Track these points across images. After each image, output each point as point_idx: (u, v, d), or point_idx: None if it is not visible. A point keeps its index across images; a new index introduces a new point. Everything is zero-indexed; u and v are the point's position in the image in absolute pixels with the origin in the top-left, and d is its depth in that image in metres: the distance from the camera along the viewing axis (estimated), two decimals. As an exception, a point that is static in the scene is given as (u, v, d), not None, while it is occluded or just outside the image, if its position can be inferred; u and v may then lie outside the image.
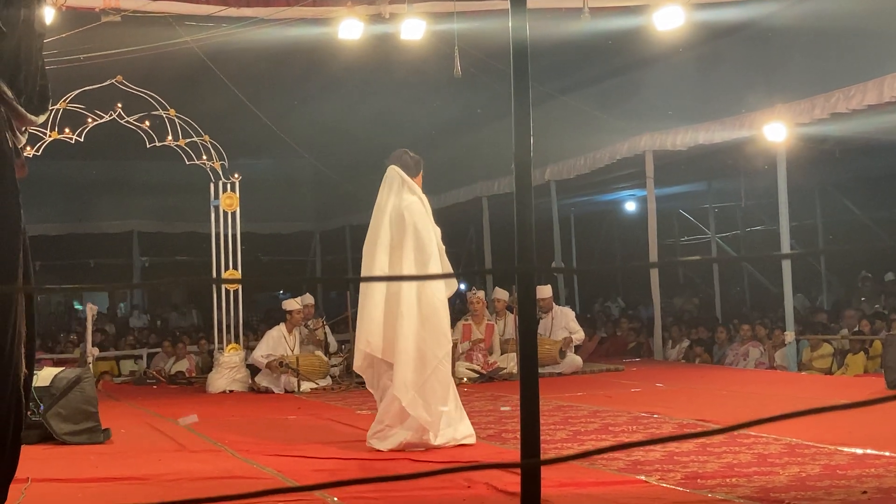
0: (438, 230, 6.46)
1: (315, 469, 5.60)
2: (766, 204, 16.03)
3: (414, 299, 6.18)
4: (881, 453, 5.18)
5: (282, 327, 11.59)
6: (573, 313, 12.89)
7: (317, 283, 20.88)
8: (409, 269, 6.23)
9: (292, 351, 11.37)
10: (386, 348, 6.21)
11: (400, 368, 6.12)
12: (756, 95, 11.25)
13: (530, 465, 1.78)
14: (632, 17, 10.73)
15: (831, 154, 13.42)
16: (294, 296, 12.62)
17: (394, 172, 6.54)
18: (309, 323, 12.07)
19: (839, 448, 5.38)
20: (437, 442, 6.14)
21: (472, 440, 6.30)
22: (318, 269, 23.35)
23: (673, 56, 12.56)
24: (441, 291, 6.29)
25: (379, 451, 6.16)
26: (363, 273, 6.73)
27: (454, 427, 6.25)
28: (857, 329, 11.86)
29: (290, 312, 11.64)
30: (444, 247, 6.45)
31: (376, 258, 6.31)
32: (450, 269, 6.58)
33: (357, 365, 6.56)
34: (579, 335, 12.34)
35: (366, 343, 6.25)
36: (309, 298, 12.53)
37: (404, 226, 6.30)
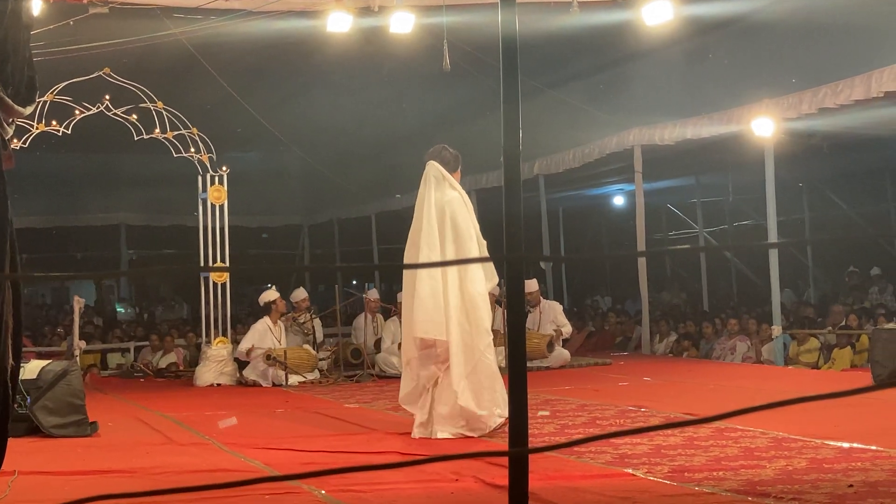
0: (478, 225, 6.57)
1: (303, 462, 5.59)
2: (754, 199, 16.06)
3: (457, 291, 6.32)
4: (867, 447, 5.20)
5: (266, 320, 11.54)
6: (561, 307, 12.93)
7: (304, 273, 20.81)
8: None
9: (279, 342, 11.34)
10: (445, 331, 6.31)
11: (453, 359, 6.25)
12: (744, 90, 11.26)
13: (518, 453, 1.79)
14: (620, 11, 10.75)
15: (819, 149, 13.45)
16: (278, 288, 12.54)
17: (433, 168, 6.66)
18: (299, 317, 12.03)
19: (826, 442, 5.41)
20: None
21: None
22: (307, 262, 23.28)
23: (661, 51, 12.57)
24: (481, 285, 6.41)
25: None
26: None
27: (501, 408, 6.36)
28: (843, 324, 11.90)
29: (274, 302, 11.59)
30: (485, 242, 6.56)
31: (420, 251, 6.40)
32: (491, 265, 6.64)
33: (407, 357, 6.55)
34: (567, 329, 12.40)
35: (425, 330, 6.27)
36: (303, 293, 12.48)
37: (445, 220, 6.43)
